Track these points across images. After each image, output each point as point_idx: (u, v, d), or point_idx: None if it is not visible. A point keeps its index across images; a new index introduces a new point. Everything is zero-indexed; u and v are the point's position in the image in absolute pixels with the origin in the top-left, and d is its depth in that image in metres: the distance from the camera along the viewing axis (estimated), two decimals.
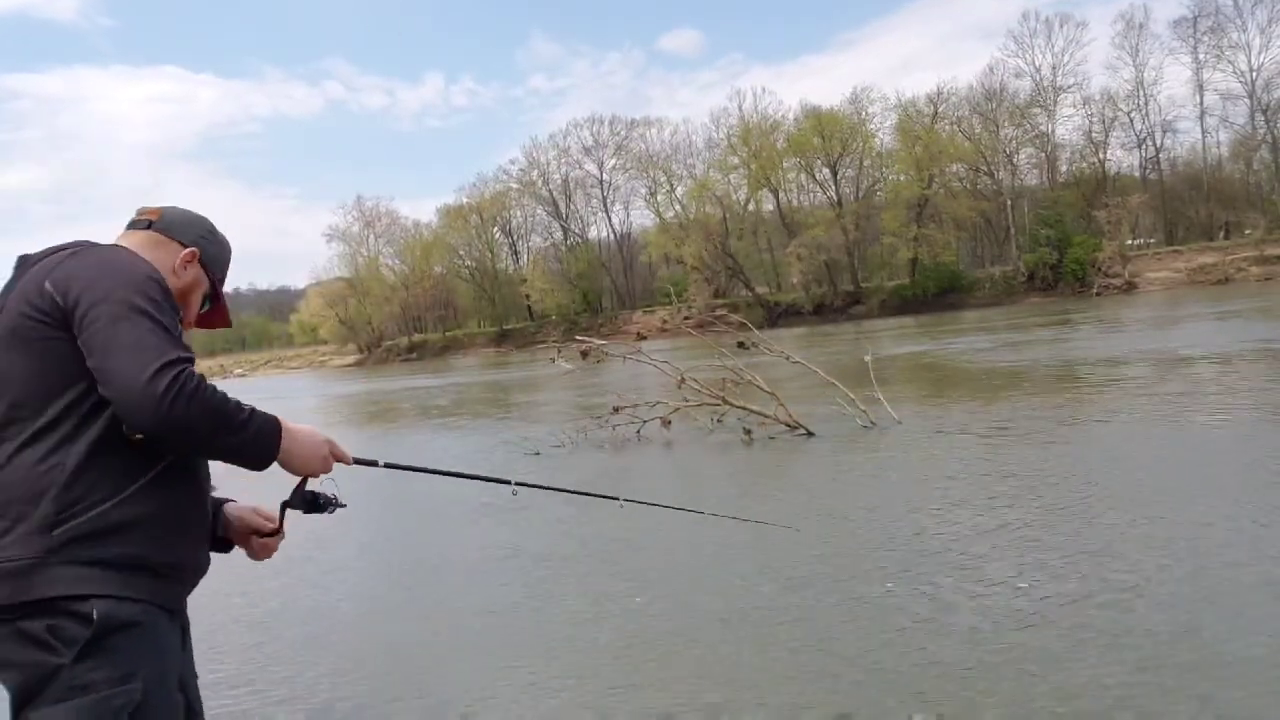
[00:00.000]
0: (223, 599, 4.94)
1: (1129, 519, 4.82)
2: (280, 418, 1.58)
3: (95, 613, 1.39)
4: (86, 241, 1.63)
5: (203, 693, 1.69)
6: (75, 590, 1.39)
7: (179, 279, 1.72)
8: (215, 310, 1.88)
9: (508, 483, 2.24)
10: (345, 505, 1.80)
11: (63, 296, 1.46)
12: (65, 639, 1.37)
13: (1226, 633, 3.21)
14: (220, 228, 1.87)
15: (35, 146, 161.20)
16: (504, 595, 4.66)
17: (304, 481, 1.72)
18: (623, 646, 3.74)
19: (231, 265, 1.90)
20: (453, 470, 2.22)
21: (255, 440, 1.51)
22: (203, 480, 1.67)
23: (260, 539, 1.82)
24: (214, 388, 1.46)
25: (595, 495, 2.83)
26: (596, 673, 3.49)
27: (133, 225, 1.75)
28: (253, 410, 1.51)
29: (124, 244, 1.69)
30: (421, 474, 2.14)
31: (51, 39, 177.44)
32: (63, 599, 1.39)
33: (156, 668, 1.47)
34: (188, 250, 1.74)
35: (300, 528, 6.16)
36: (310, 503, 1.76)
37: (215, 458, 1.54)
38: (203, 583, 1.69)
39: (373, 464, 1.89)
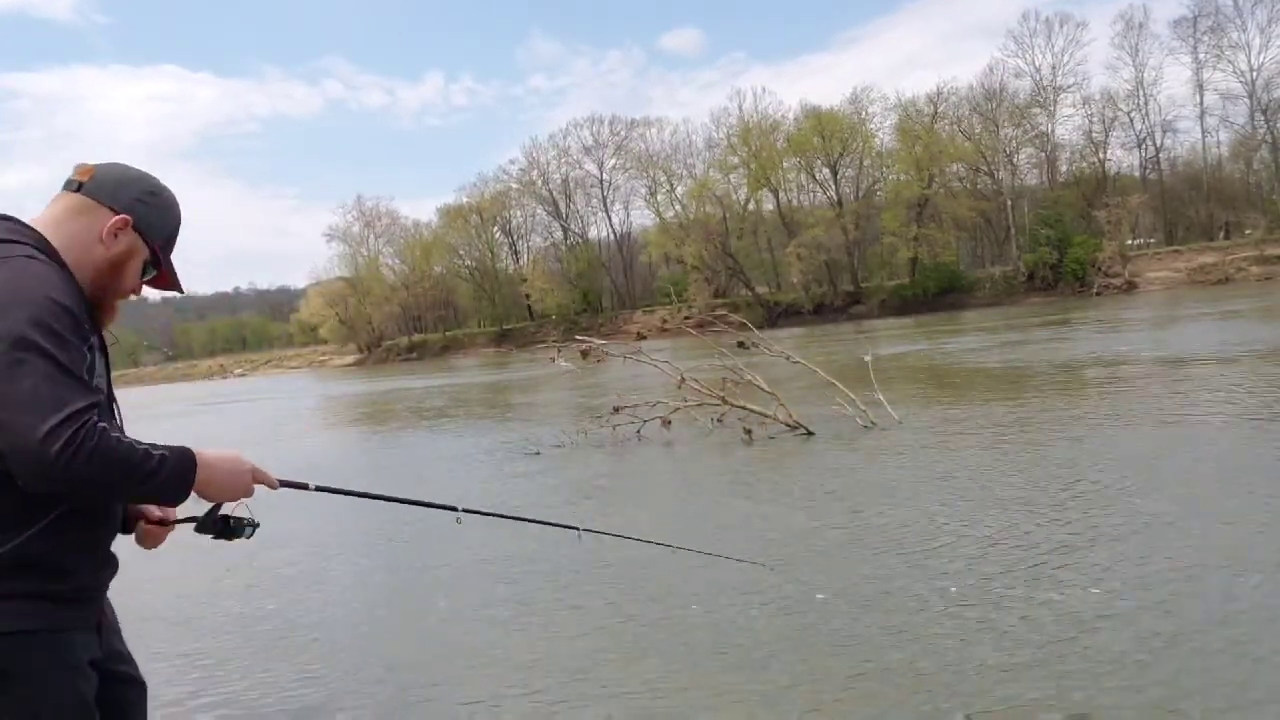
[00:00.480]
0: (222, 618, 4.93)
1: (1157, 521, 4.78)
2: (195, 450, 1.50)
3: None
4: None
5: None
6: None
7: (108, 249, 1.55)
8: (160, 277, 1.69)
9: (454, 509, 2.10)
10: (259, 526, 1.72)
11: None
12: None
13: None
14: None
15: (34, 146, 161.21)
16: (507, 609, 4.63)
17: (218, 506, 1.65)
18: (634, 660, 3.69)
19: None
20: (392, 495, 2.09)
21: (166, 484, 1.44)
22: (110, 509, 1.60)
23: (148, 524, 1.74)
24: (118, 439, 1.36)
25: (548, 524, 2.64)
26: (618, 690, 3.46)
27: (66, 185, 1.58)
28: (162, 455, 1.42)
29: (46, 215, 1.55)
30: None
31: (49, 37, 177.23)
32: None
33: (66, 695, 1.46)
34: (118, 217, 1.55)
35: (300, 541, 6.07)
36: (222, 528, 1.67)
37: (125, 503, 1.51)
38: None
39: (303, 487, 1.78)
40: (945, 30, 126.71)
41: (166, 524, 1.74)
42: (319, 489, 1.82)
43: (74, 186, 1.57)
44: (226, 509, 1.66)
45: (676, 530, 5.76)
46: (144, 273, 1.65)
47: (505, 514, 2.46)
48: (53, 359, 1.33)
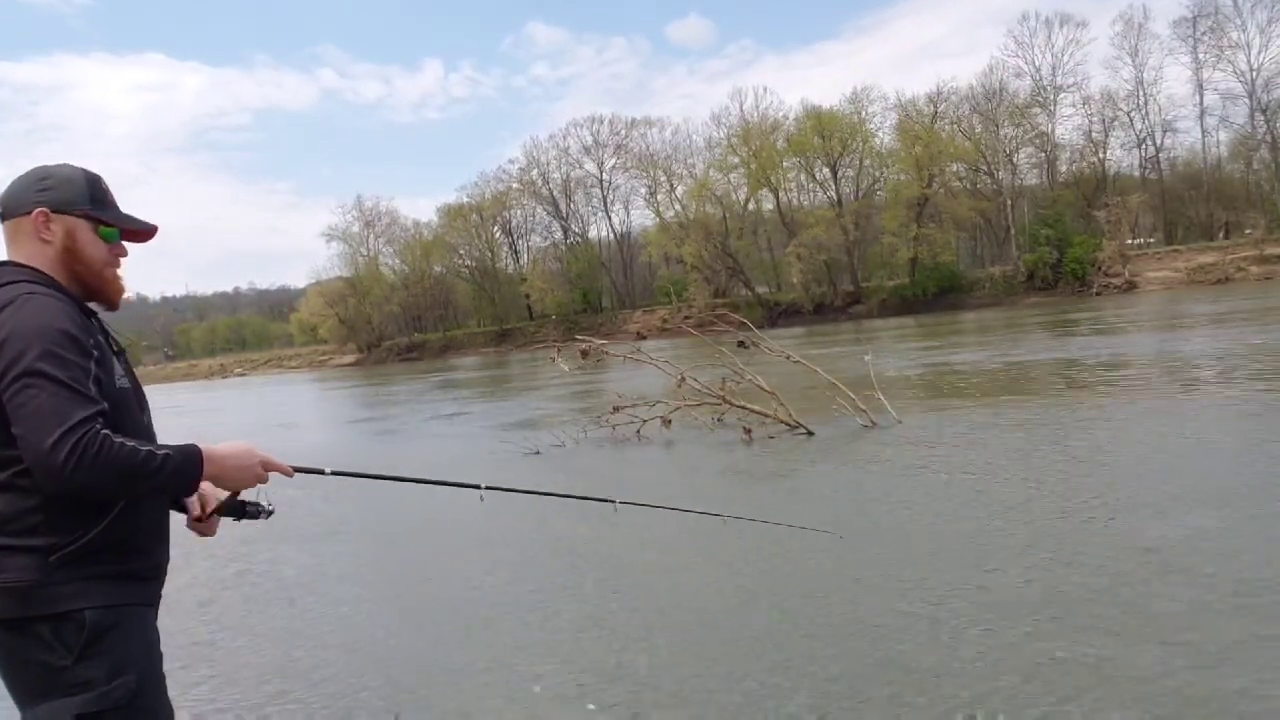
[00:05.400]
0: (235, 632, 4.93)
1: (1170, 521, 4.79)
2: (204, 446, 1.65)
3: (87, 621, 1.57)
4: None
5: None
6: (71, 605, 1.57)
7: (53, 243, 1.70)
8: (126, 234, 1.80)
9: (476, 487, 2.14)
10: (273, 511, 1.88)
11: None
12: (67, 644, 1.55)
13: None
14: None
15: (19, 140, 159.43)
16: (532, 619, 4.63)
17: (235, 493, 1.81)
18: (664, 661, 3.71)
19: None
20: (407, 476, 2.12)
21: (173, 478, 1.60)
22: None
23: (194, 520, 1.93)
24: (120, 444, 1.51)
25: (581, 498, 2.60)
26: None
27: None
28: (166, 455, 1.57)
29: (13, 252, 1.70)
30: (412, 485, 2.05)
31: (27, 23, 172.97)
32: (62, 613, 1.56)
33: (146, 660, 1.65)
34: (36, 213, 1.69)
35: (320, 548, 6.03)
36: (237, 511, 1.86)
37: (137, 498, 1.65)
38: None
39: (319, 472, 1.90)
40: (961, 18, 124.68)
41: (203, 519, 1.91)
42: (334, 473, 1.93)
43: (2, 217, 1.73)
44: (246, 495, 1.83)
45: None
46: (110, 240, 1.76)
47: (532, 490, 2.42)
48: (57, 380, 1.51)
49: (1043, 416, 8.73)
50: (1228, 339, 14.76)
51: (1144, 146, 57.77)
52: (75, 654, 1.55)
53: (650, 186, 68.91)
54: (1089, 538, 4.55)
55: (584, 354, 11.09)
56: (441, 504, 6.67)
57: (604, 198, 72.19)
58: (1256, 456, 6.06)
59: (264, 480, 1.78)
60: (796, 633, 3.66)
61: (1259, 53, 51.16)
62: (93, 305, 1.76)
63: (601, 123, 70.35)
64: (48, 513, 1.56)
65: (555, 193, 72.59)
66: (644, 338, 49.38)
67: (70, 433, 1.46)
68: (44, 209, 1.69)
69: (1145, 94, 55.74)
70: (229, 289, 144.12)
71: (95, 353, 1.60)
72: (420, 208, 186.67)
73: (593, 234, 74.41)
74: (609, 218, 72.96)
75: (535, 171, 72.36)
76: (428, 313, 78.43)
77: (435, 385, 28.28)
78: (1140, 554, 4.19)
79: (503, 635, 4.01)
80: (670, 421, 10.15)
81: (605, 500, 2.53)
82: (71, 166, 1.77)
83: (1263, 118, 51.97)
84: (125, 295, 1.86)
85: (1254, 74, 51.57)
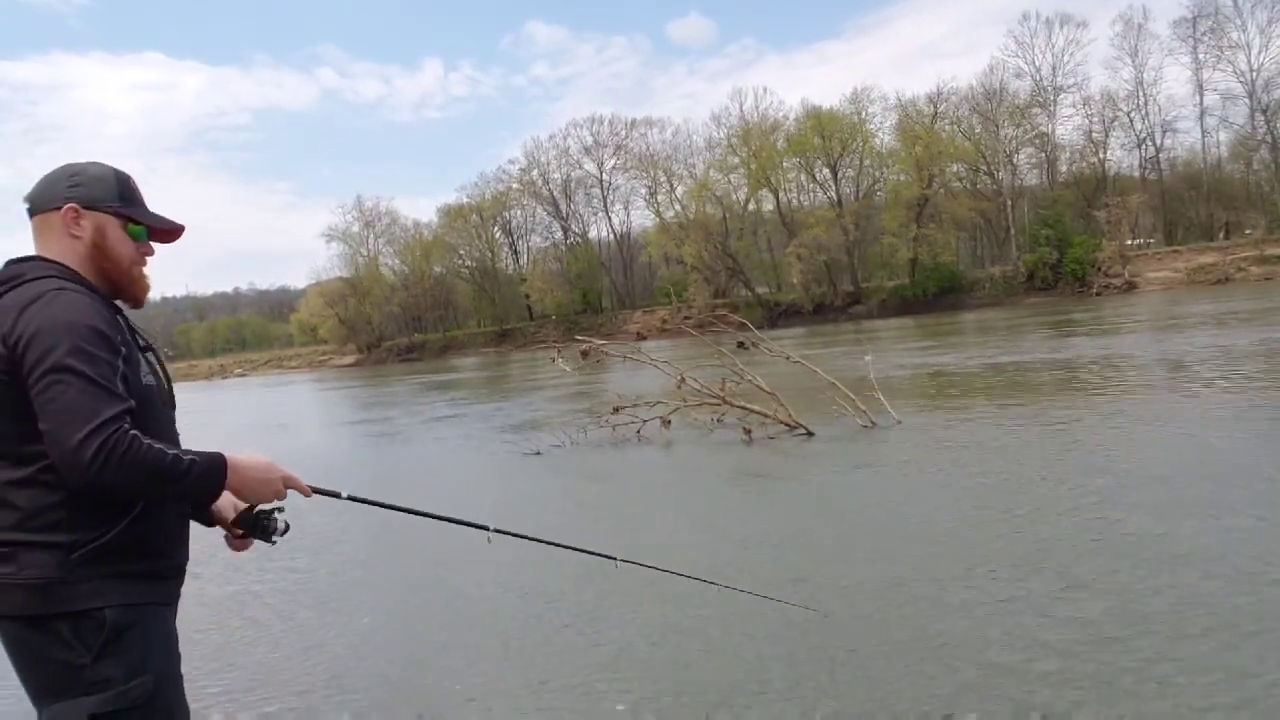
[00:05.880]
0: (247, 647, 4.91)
1: (1171, 523, 4.79)
2: (228, 456, 1.65)
3: (107, 620, 1.56)
4: (17, 271, 1.63)
5: None
6: (91, 603, 1.56)
7: (82, 238, 1.69)
8: (155, 233, 1.80)
9: (485, 528, 2.15)
10: (288, 529, 1.84)
11: (12, 350, 1.53)
12: (86, 643, 1.55)
13: None
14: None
15: (18, 140, 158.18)
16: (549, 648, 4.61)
17: (252, 507, 1.80)
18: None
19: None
20: (423, 510, 2.12)
21: (197, 484, 1.60)
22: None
23: (231, 537, 1.90)
24: (148, 445, 1.51)
25: (584, 551, 2.54)
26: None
27: (29, 213, 1.73)
28: (191, 460, 1.57)
29: (41, 246, 1.70)
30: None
31: (24, 21, 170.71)
32: (82, 610, 1.56)
33: (164, 660, 1.65)
34: (66, 208, 1.68)
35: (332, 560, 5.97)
36: (254, 525, 1.82)
37: (159, 502, 1.64)
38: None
39: (335, 495, 1.88)
40: (961, 18, 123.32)
41: (235, 531, 1.87)
42: (350, 498, 1.90)
43: (30, 212, 1.73)
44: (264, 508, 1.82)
45: (690, 548, 5.76)
46: (138, 238, 1.76)
47: (538, 538, 2.40)
48: (86, 376, 1.50)
49: (1044, 417, 8.72)
50: (1229, 339, 14.75)
51: (1144, 147, 57.81)
52: (94, 653, 1.54)
53: (650, 187, 68.99)
54: (1103, 540, 4.54)
55: (584, 354, 11.10)
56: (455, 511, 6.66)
57: (604, 198, 72.26)
58: (1264, 455, 6.05)
59: (282, 496, 1.77)
60: (821, 644, 3.66)
61: (1259, 53, 51.21)
62: (117, 302, 1.76)
63: (601, 123, 70.45)
64: (70, 509, 1.55)
65: (555, 193, 72.63)
66: (644, 338, 49.37)
67: (98, 430, 1.46)
68: (74, 204, 1.69)
69: (1145, 94, 55.80)
70: (229, 289, 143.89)
71: (123, 350, 1.61)
72: (420, 208, 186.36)
73: (593, 234, 74.52)
74: (609, 218, 73.07)
75: (535, 172, 72.46)
76: (428, 313, 78.42)
77: (435, 386, 28.27)
78: (1173, 557, 4.19)
79: (535, 652, 4.01)
80: (670, 422, 10.16)
81: (607, 557, 2.54)
82: (101, 164, 1.77)
83: (1263, 118, 51.98)
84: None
85: (1254, 74, 51.61)
